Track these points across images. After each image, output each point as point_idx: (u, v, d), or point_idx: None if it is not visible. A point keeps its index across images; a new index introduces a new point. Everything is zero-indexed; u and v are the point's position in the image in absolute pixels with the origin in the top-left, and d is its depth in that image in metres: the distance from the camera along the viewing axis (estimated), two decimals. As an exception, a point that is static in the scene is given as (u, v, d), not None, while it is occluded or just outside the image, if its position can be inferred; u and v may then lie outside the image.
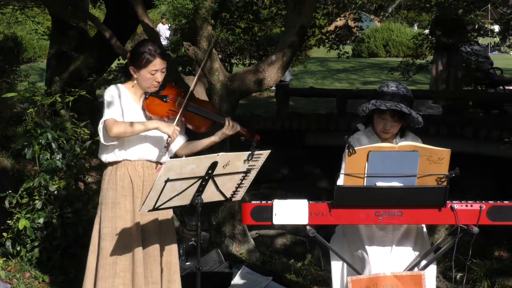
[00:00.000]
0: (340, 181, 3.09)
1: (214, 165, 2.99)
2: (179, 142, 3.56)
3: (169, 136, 3.36)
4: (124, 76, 3.63)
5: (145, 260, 3.44)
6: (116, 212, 3.43)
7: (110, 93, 3.44)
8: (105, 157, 3.50)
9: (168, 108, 3.45)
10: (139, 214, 3.38)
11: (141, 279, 3.40)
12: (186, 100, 3.46)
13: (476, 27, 10.07)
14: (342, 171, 3.14)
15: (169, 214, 3.55)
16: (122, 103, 3.42)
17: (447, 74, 9.99)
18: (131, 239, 3.42)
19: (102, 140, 3.40)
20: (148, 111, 3.43)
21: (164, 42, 12.73)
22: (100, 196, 3.52)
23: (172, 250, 3.54)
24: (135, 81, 3.46)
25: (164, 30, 16.91)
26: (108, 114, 3.37)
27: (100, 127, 3.39)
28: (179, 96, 3.52)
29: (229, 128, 3.44)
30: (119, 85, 3.51)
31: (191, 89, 3.59)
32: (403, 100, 3.21)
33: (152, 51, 3.39)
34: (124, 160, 3.45)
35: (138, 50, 3.43)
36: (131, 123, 3.34)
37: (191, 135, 3.67)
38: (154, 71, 3.40)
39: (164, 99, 3.47)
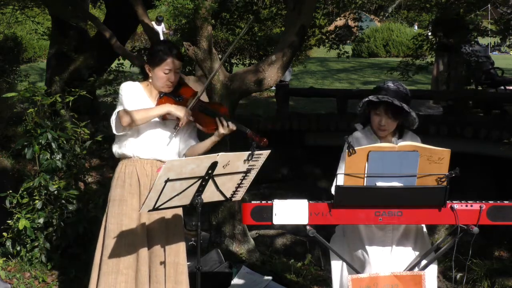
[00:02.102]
0: (338, 183, 3.09)
1: (214, 165, 2.99)
2: (189, 144, 3.57)
3: (179, 119, 3.37)
4: (142, 75, 3.66)
5: (150, 259, 3.45)
6: (122, 209, 3.44)
7: (126, 88, 3.47)
8: (116, 149, 3.53)
9: None
10: (146, 212, 3.38)
11: (145, 277, 3.40)
12: (197, 97, 3.47)
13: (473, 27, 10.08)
14: (340, 171, 3.14)
15: (178, 214, 3.55)
16: (137, 99, 3.44)
17: (448, 75, 9.99)
18: (136, 237, 3.42)
19: (114, 131, 3.44)
20: None
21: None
22: (109, 193, 3.54)
23: (180, 251, 3.53)
24: (150, 80, 3.48)
25: (159, 31, 16.75)
26: (121, 106, 3.42)
27: (113, 118, 3.44)
28: (192, 96, 3.52)
29: (224, 127, 3.41)
30: (135, 83, 3.54)
31: (204, 86, 3.66)
32: (397, 96, 3.22)
33: (166, 50, 3.43)
34: (134, 156, 3.47)
35: (154, 48, 3.50)
36: (140, 111, 3.35)
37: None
38: (168, 70, 3.42)
39: (178, 99, 3.49)
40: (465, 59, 10.05)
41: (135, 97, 3.45)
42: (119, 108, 3.44)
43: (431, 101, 11.04)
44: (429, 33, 11.09)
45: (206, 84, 3.80)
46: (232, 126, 3.42)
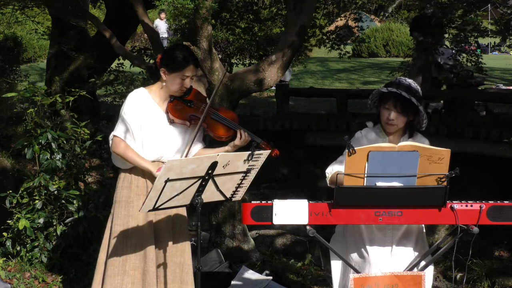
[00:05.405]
0: (331, 169, 3.27)
1: (214, 165, 3.00)
2: (196, 148, 3.57)
3: None
4: (150, 76, 3.65)
5: (157, 259, 3.46)
6: (129, 210, 3.45)
7: (129, 103, 3.44)
8: (119, 164, 3.54)
9: (191, 113, 3.46)
10: (152, 213, 3.38)
11: (153, 278, 3.41)
12: (208, 106, 3.46)
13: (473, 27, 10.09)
14: (342, 167, 3.13)
15: (183, 214, 3.56)
16: (143, 110, 3.43)
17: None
18: (143, 237, 3.43)
19: (110, 149, 3.46)
20: (172, 115, 3.45)
21: (162, 38, 12.63)
22: (115, 194, 3.55)
23: (185, 251, 3.55)
24: (164, 83, 3.46)
25: (163, 27, 16.54)
26: (119, 129, 3.42)
27: (110, 138, 3.45)
28: (204, 102, 3.52)
29: (241, 140, 3.44)
30: (142, 90, 3.51)
31: (213, 95, 3.65)
32: (408, 91, 3.22)
33: (187, 57, 3.42)
34: None
35: (174, 53, 3.44)
36: (133, 153, 3.39)
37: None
38: (185, 77, 3.42)
39: (189, 104, 3.49)
40: (436, 61, 10.09)
41: (141, 109, 3.43)
42: (116, 130, 3.43)
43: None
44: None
45: (214, 93, 3.79)
46: (248, 138, 3.44)
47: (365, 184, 3.01)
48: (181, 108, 3.47)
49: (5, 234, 5.11)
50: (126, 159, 3.42)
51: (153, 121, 3.44)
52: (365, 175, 2.99)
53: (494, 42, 14.10)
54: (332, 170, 3.35)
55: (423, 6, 9.84)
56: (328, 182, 3.37)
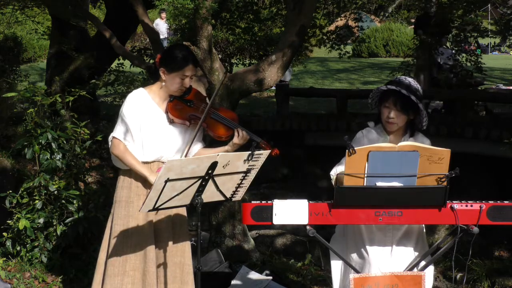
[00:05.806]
0: (335, 170, 3.25)
1: (214, 165, 3.00)
2: (196, 148, 3.57)
3: None
4: (150, 76, 3.65)
5: (157, 259, 3.46)
6: (129, 210, 3.45)
7: (128, 104, 3.44)
8: (120, 166, 3.54)
9: (191, 113, 3.46)
10: (152, 213, 3.38)
11: (153, 278, 3.41)
12: (208, 106, 3.46)
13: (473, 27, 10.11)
14: (343, 167, 3.14)
15: (182, 214, 3.56)
16: (143, 111, 3.43)
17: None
18: (143, 238, 3.43)
19: (110, 150, 3.47)
20: (171, 114, 3.45)
21: (162, 37, 12.60)
22: (115, 194, 3.55)
23: (186, 251, 3.55)
24: (163, 83, 3.46)
25: (163, 28, 16.51)
26: (118, 130, 3.43)
27: (109, 139, 3.46)
28: (203, 102, 3.52)
29: (240, 138, 3.44)
30: (141, 91, 3.51)
31: (213, 95, 3.65)
32: (407, 89, 3.22)
33: (186, 57, 3.42)
34: (141, 162, 3.47)
35: (173, 53, 3.44)
36: (130, 157, 3.40)
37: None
38: (185, 77, 3.42)
39: (189, 104, 3.49)
40: (437, 61, 10.11)
41: (140, 109, 3.43)
42: (115, 132, 3.44)
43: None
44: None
45: (215, 94, 3.80)
46: (246, 136, 3.43)
47: (365, 184, 3.01)
48: (181, 108, 3.47)
49: (5, 234, 5.11)
50: (124, 161, 3.43)
51: (153, 121, 3.44)
52: (365, 175, 2.99)
53: (494, 42, 14.12)
54: (336, 171, 3.34)
55: (424, 6, 9.87)
56: (333, 184, 3.37)
